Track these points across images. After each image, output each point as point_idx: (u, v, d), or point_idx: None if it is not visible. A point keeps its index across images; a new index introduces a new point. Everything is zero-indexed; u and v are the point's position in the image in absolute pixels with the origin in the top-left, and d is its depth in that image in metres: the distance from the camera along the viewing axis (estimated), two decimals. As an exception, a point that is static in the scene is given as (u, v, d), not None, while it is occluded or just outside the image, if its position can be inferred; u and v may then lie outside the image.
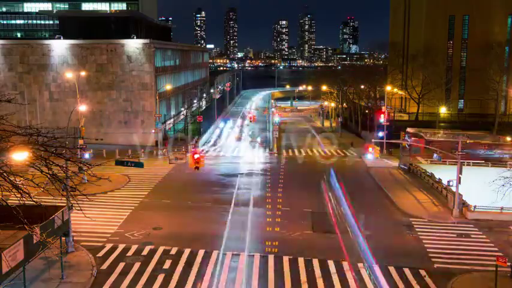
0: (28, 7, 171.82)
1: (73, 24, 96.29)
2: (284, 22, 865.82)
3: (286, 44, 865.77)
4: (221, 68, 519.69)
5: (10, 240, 27.17)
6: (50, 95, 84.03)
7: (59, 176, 24.70)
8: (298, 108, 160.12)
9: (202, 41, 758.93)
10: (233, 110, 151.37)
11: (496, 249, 38.14)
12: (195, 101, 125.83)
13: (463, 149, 47.52)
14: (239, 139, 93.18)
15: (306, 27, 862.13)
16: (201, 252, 36.70)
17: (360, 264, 34.76)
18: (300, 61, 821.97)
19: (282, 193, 54.25)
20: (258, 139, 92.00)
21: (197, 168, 47.75)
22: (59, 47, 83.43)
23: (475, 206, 45.53)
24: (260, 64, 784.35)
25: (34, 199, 22.75)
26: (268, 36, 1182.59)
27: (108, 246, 37.84)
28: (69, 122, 56.45)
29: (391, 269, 34.14)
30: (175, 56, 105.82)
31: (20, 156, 22.52)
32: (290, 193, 54.14)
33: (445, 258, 36.16)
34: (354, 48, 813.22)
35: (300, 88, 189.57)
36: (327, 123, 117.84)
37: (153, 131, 79.69)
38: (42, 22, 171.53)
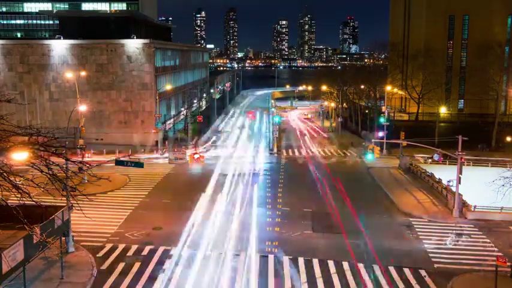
0: (28, 7, 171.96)
1: (73, 24, 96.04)
2: (284, 22, 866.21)
3: (286, 44, 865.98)
4: (221, 68, 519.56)
5: (10, 240, 27.17)
6: (50, 95, 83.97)
7: (59, 176, 24.70)
8: (298, 108, 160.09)
9: (202, 41, 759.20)
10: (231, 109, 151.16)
11: (496, 249, 38.18)
12: (195, 101, 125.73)
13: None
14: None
15: (306, 27, 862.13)
16: (201, 252, 36.68)
17: (360, 264, 34.77)
18: (300, 61, 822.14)
19: (282, 193, 54.24)
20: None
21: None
22: (59, 47, 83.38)
23: (475, 206, 45.53)
24: (260, 64, 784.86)
25: (34, 199, 22.73)
26: (268, 36, 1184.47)
27: (108, 246, 37.83)
28: (69, 122, 56.48)
29: (391, 269, 34.16)
30: (175, 56, 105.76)
31: (20, 156, 22.50)
32: (290, 193, 54.12)
33: (445, 258, 36.18)
34: (354, 48, 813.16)
35: (300, 88, 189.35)
36: (327, 123, 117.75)
37: (153, 131, 79.63)
38: (42, 22, 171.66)
